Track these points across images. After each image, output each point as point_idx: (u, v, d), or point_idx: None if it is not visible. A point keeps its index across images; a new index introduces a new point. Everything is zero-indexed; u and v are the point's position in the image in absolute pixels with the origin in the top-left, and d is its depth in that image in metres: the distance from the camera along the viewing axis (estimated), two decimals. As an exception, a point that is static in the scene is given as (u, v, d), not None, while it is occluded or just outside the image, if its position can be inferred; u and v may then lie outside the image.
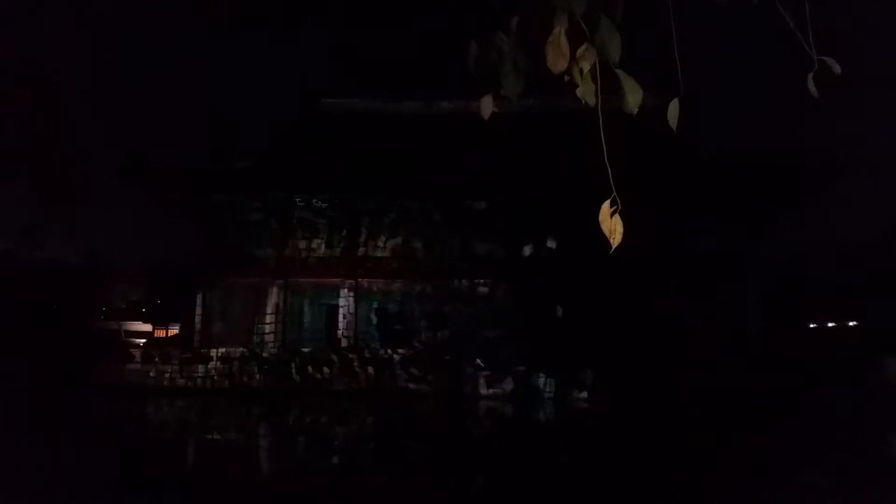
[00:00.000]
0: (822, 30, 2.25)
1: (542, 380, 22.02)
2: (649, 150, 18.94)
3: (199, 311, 26.86)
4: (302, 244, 27.08)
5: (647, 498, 8.79)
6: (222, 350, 23.88)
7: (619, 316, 23.07)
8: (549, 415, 19.42)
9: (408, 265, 26.20)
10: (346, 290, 26.24)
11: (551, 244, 25.03)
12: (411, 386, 22.25)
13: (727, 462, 11.37)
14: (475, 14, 2.38)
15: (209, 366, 23.15)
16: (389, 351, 23.55)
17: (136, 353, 24.86)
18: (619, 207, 2.23)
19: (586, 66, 2.13)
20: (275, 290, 26.65)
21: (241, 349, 23.95)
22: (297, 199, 26.40)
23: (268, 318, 26.29)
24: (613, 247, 2.25)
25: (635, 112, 2.19)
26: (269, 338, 25.85)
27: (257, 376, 22.83)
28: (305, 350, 24.01)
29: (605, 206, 2.22)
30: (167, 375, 22.94)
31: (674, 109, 2.24)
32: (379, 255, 26.82)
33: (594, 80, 2.15)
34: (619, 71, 2.13)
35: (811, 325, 36.38)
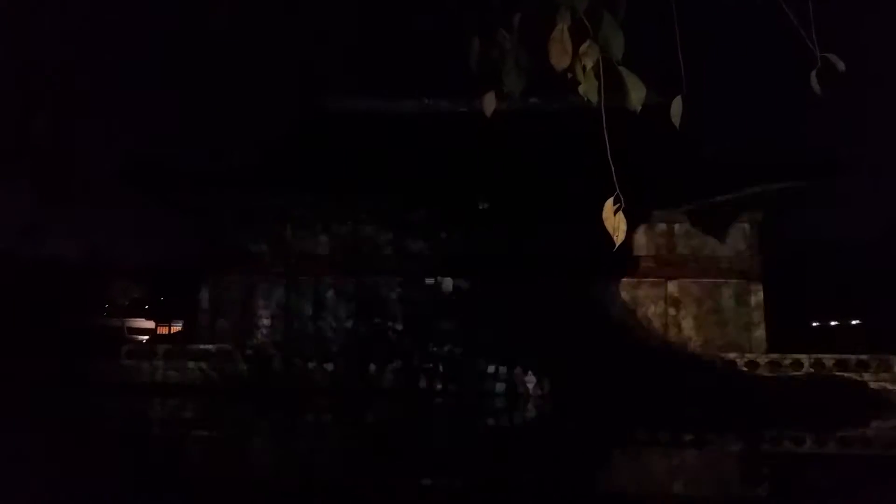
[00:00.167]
0: (824, 27, 2.24)
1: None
2: (646, 147, 18.87)
3: (201, 308, 26.90)
4: (301, 241, 27.12)
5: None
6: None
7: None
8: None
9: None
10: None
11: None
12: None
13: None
14: (476, 11, 2.37)
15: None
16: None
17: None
18: (623, 205, 2.22)
19: (589, 64, 2.12)
20: (273, 286, 26.75)
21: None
22: (297, 197, 26.47)
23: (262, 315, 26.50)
24: (617, 244, 2.24)
25: (638, 110, 2.18)
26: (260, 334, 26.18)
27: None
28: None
29: (609, 204, 2.21)
30: (158, 371, 23.02)
31: (677, 107, 2.23)
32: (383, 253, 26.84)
33: (597, 77, 2.14)
34: (622, 68, 2.12)
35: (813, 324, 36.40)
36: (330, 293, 26.79)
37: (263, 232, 27.12)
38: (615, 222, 2.24)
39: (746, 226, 25.91)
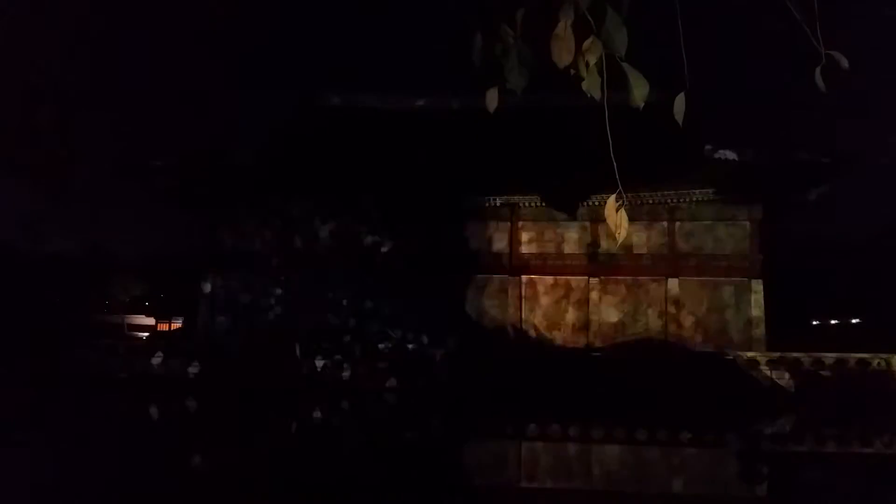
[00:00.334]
0: (826, 25, 2.23)
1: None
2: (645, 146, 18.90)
3: (201, 305, 26.93)
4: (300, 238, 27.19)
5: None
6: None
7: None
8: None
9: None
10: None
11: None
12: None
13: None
14: (477, 7, 2.36)
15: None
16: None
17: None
18: (625, 202, 2.22)
19: (592, 60, 2.11)
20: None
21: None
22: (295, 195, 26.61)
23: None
24: (619, 241, 2.23)
25: (641, 106, 2.17)
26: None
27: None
28: None
29: (611, 201, 2.21)
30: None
31: (680, 104, 2.22)
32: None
33: (600, 73, 2.13)
34: (625, 65, 2.11)
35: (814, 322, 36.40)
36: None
37: (261, 229, 27.18)
38: (617, 219, 2.23)
39: (747, 224, 25.94)
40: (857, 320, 35.22)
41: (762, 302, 25.14)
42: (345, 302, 25.70)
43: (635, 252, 26.37)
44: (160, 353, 22.99)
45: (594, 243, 26.68)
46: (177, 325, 45.93)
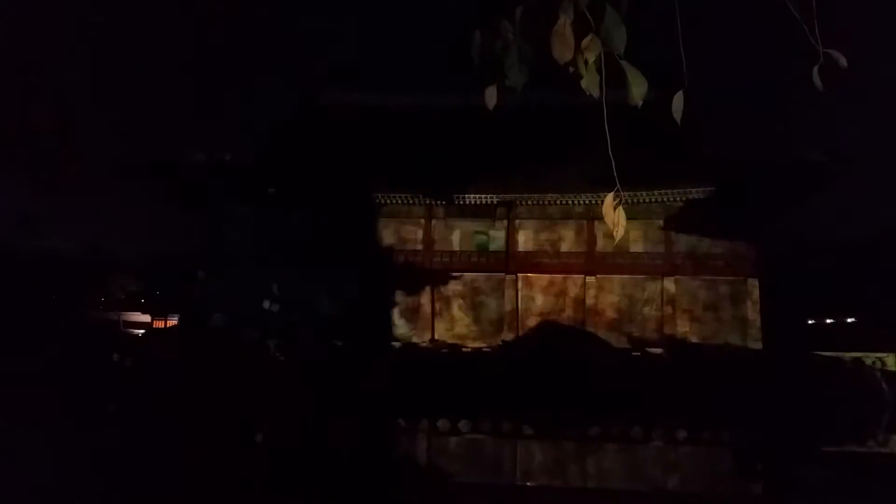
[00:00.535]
0: (826, 24, 2.23)
1: None
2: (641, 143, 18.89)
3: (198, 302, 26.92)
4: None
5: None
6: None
7: None
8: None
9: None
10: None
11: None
12: None
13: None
14: (477, 4, 2.35)
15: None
16: None
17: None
18: (623, 200, 2.21)
19: (591, 58, 2.10)
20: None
21: None
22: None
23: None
24: (617, 239, 2.23)
25: (640, 104, 2.17)
26: None
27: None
28: None
29: (609, 199, 2.20)
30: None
31: (678, 102, 2.21)
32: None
33: (599, 71, 2.13)
34: (624, 63, 2.10)
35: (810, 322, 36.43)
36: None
37: (259, 228, 27.13)
38: (615, 217, 2.22)
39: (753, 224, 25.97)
40: (853, 319, 35.25)
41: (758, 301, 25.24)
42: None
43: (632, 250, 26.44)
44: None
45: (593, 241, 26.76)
46: (172, 322, 45.82)
